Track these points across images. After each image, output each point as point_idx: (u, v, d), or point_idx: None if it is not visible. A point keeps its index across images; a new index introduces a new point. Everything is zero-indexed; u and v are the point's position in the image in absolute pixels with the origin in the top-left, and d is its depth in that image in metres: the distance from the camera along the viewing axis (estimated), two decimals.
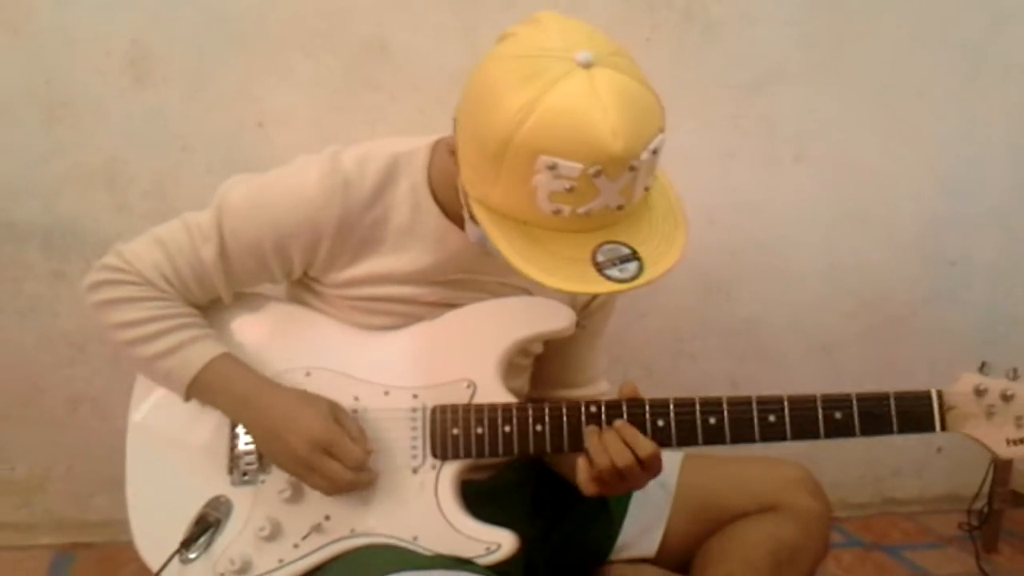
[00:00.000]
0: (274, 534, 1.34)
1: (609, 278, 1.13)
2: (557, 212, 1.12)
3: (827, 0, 2.31)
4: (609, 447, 1.26)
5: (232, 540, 1.35)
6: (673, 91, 2.22)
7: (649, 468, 1.27)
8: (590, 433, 1.28)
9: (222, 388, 1.34)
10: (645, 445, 1.26)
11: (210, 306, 1.42)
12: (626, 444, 1.26)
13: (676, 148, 2.24)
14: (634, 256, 1.15)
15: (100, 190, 2.06)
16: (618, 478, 1.27)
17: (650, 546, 1.47)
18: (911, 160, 2.44)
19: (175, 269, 1.34)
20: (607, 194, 1.11)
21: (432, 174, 1.35)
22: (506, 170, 1.11)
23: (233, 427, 1.38)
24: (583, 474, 1.28)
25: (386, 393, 1.36)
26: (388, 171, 1.33)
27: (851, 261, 2.47)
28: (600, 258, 1.14)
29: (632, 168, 1.10)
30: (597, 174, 1.08)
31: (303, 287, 1.44)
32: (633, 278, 1.13)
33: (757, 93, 2.32)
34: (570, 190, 1.10)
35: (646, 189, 1.17)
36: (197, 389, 1.34)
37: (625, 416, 1.29)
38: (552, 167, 1.08)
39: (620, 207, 1.13)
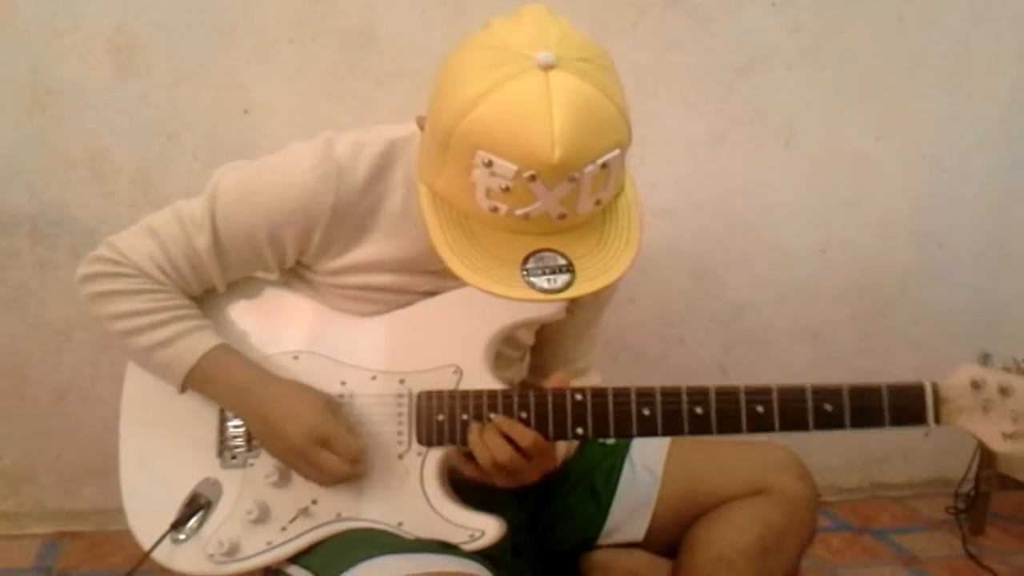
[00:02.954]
0: (262, 517, 1.34)
1: (532, 286, 1.12)
2: (494, 210, 1.11)
3: None
4: (489, 443, 1.26)
5: (221, 522, 1.35)
6: (660, 76, 2.27)
7: (536, 457, 1.27)
8: (472, 431, 1.29)
9: (219, 379, 1.34)
10: (525, 435, 1.26)
11: (204, 297, 1.41)
12: (506, 438, 1.26)
13: (664, 134, 2.28)
14: (568, 268, 1.13)
15: (85, 178, 2.06)
16: (506, 473, 1.27)
17: (638, 530, 1.47)
18: (900, 144, 2.44)
19: (170, 259, 1.33)
20: (546, 201, 1.09)
21: None
22: (450, 159, 1.10)
23: (223, 409, 1.38)
24: (466, 470, 1.30)
25: (373, 378, 1.36)
26: (383, 158, 1.32)
27: (840, 245, 2.47)
28: (531, 264, 1.12)
29: (572, 179, 1.08)
30: (532, 179, 1.06)
31: (294, 275, 1.43)
32: (558, 291, 1.12)
33: (745, 78, 2.32)
34: (506, 190, 1.08)
35: (598, 203, 1.14)
36: (194, 380, 1.34)
37: (611, 406, 1.29)
38: (488, 164, 1.07)
39: (563, 216, 1.11)
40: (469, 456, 1.30)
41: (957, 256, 2.55)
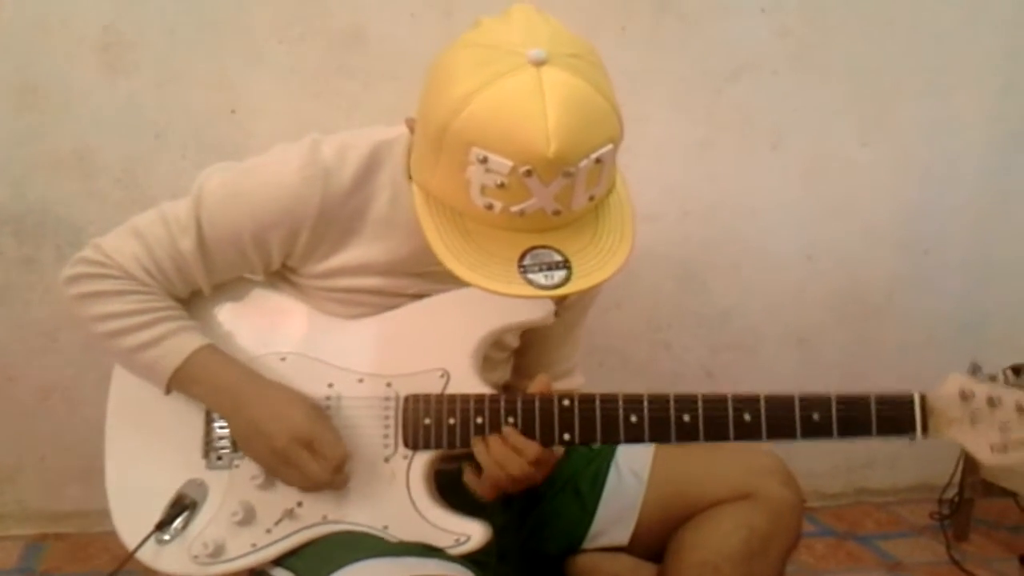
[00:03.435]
0: (247, 519, 1.33)
1: (530, 282, 1.12)
2: (489, 207, 1.11)
3: None
4: (497, 456, 1.27)
5: (206, 524, 1.35)
6: (648, 81, 2.27)
7: (542, 466, 1.29)
8: (476, 443, 1.29)
9: (204, 379, 1.33)
10: (532, 448, 1.27)
11: (190, 298, 1.40)
12: (514, 450, 1.27)
13: (652, 138, 2.28)
14: (565, 264, 1.13)
15: (72, 177, 2.05)
16: (512, 481, 1.28)
17: (623, 534, 1.46)
18: (888, 150, 2.45)
19: (155, 261, 1.32)
20: (541, 197, 1.09)
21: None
22: (444, 157, 1.11)
23: (209, 410, 1.38)
24: (473, 484, 1.30)
25: (360, 381, 1.35)
26: (369, 161, 1.32)
27: (827, 251, 2.48)
28: (527, 261, 1.12)
29: (567, 174, 1.08)
30: (528, 174, 1.07)
31: (280, 278, 1.42)
32: (556, 287, 1.12)
33: (733, 83, 2.32)
34: (501, 186, 1.08)
35: (591, 199, 1.14)
36: (179, 381, 1.33)
37: (598, 412, 1.29)
38: (483, 160, 1.07)
39: (557, 212, 1.12)
40: (477, 473, 1.30)
41: (944, 262, 2.56)
